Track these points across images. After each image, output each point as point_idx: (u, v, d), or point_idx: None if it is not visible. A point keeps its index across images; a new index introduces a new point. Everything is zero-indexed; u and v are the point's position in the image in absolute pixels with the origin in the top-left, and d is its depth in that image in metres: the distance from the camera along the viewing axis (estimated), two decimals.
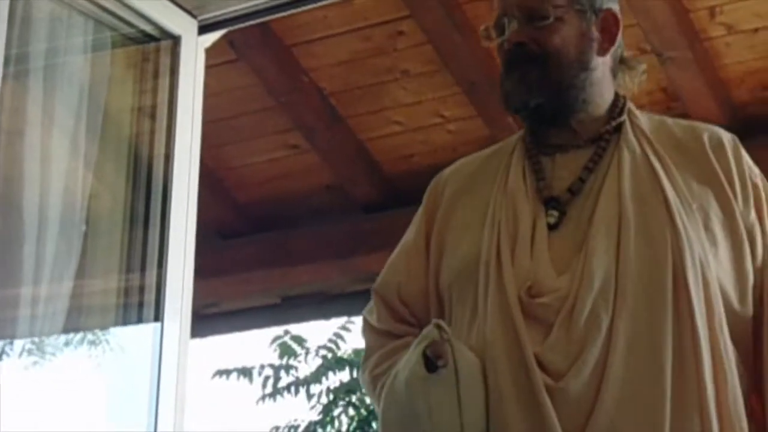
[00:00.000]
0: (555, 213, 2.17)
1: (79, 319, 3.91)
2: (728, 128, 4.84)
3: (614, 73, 2.30)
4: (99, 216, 3.95)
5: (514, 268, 2.12)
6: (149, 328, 3.83)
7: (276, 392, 9.23)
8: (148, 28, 4.03)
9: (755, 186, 2.21)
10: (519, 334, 2.05)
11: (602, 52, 2.24)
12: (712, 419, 2.00)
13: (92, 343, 4.46)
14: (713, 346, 2.05)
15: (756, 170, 2.25)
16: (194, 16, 4.08)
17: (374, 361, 2.28)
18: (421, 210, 2.40)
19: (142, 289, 3.88)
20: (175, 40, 4.04)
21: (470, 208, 2.28)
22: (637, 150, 2.21)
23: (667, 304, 2.04)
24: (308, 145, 5.30)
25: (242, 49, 4.97)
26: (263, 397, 9.22)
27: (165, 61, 4.05)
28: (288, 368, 9.36)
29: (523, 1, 2.23)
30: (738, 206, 2.16)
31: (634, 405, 1.99)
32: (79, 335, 4.28)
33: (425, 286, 2.30)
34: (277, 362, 9.36)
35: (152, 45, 4.07)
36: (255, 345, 11.46)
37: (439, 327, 2.13)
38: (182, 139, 3.95)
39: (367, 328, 2.37)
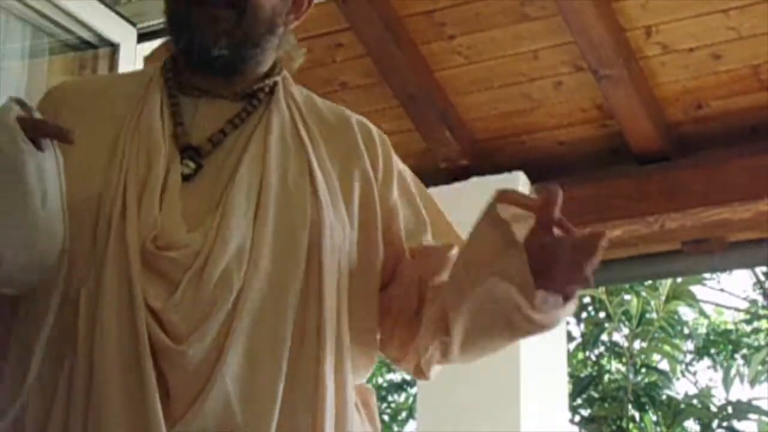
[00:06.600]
0: (191, 164, 2.01)
1: None
2: (662, 147, 4.93)
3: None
4: None
5: (140, 216, 1.92)
6: None
7: None
8: (86, 35, 4.01)
9: (400, 172, 2.15)
10: (133, 287, 1.85)
11: (288, 23, 2.17)
12: (325, 412, 1.88)
13: None
14: (340, 329, 1.95)
15: (402, 165, 2.18)
16: (133, 24, 4.07)
17: None
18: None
19: None
20: (114, 47, 4.03)
21: (94, 138, 2.04)
22: (287, 116, 2.12)
23: (297, 277, 1.92)
24: None
25: None
26: None
27: (103, 68, 4.03)
28: None
29: None
30: (377, 186, 2.08)
31: (251, 382, 1.85)
32: None
33: None
34: None
35: (90, 52, 4.05)
36: None
37: (21, 103, 1.96)
38: None
39: None
